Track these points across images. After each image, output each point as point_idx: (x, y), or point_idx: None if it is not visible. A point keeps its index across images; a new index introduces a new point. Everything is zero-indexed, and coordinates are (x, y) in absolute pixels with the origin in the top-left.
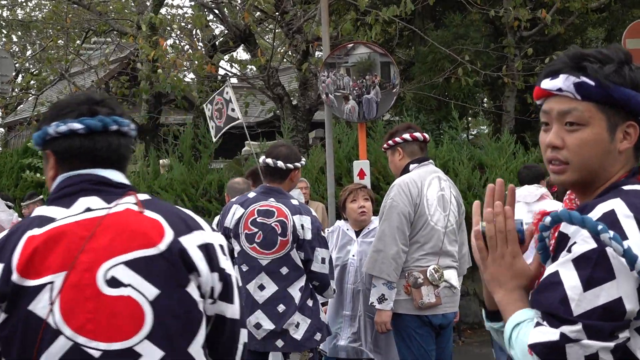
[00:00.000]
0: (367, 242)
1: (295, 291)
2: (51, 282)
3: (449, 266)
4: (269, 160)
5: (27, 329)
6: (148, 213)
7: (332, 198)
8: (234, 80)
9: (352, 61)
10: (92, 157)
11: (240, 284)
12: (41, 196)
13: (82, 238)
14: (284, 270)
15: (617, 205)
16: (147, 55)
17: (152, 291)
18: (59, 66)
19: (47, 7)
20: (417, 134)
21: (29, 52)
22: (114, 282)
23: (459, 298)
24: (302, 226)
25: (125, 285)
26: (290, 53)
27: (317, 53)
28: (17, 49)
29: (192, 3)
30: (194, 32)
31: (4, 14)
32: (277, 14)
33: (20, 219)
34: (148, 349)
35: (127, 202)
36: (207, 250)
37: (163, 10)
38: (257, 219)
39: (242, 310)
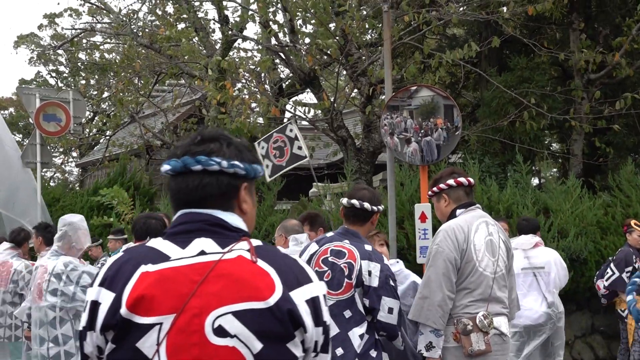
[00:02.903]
0: None
1: (355, 336)
2: (160, 323)
3: (499, 313)
4: (355, 202)
5: None
6: (260, 263)
7: (394, 242)
8: (301, 123)
9: (415, 104)
10: (187, 197)
11: None
12: (125, 236)
13: (194, 282)
14: (347, 314)
15: None
16: (214, 98)
17: (256, 345)
18: (133, 109)
19: (122, 50)
20: (462, 179)
21: (105, 94)
22: (220, 331)
23: (509, 346)
24: (370, 272)
25: (232, 336)
26: (354, 96)
27: (381, 96)
28: (94, 92)
29: (259, 47)
30: (262, 75)
31: (82, 57)
32: (341, 57)
33: (102, 259)
34: None
35: (241, 249)
36: (314, 304)
37: (231, 54)
38: (329, 258)
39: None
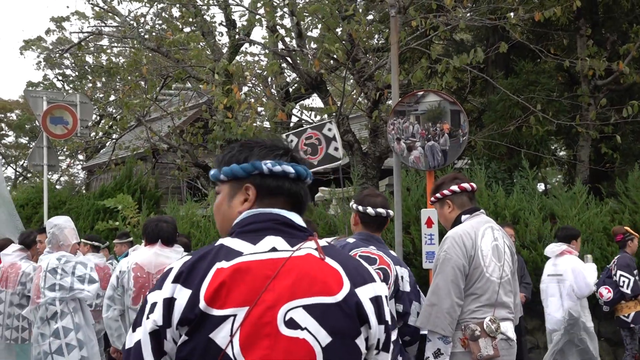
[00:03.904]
0: None
1: None
2: (234, 315)
3: (505, 318)
4: (382, 211)
5: (205, 356)
6: (328, 261)
7: (400, 246)
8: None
9: (422, 109)
10: (295, 200)
11: None
12: (131, 238)
13: (267, 277)
14: None
15: None
16: (220, 102)
17: (325, 338)
18: (140, 112)
19: (129, 54)
20: (465, 185)
21: (111, 98)
22: (292, 324)
23: (515, 351)
24: (402, 278)
25: (302, 328)
26: (361, 100)
27: (388, 101)
28: (101, 95)
29: (266, 51)
30: (268, 79)
31: (90, 60)
32: (348, 62)
33: (109, 262)
34: None
35: (309, 247)
36: (377, 302)
37: (238, 58)
38: None
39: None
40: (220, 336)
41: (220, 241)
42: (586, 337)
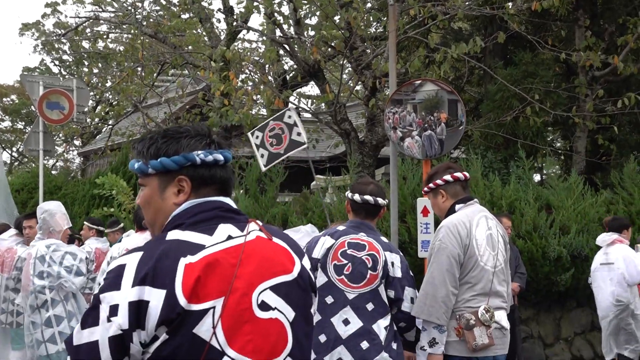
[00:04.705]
0: None
1: (380, 329)
2: (213, 307)
3: (499, 307)
4: (369, 198)
5: (192, 350)
6: (276, 240)
7: (396, 235)
8: (304, 115)
9: (419, 98)
10: (225, 185)
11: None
12: (122, 225)
13: (233, 265)
14: (370, 307)
15: None
16: (217, 89)
17: (291, 314)
18: (136, 98)
19: (126, 40)
20: (458, 174)
21: (108, 84)
22: (264, 306)
23: (508, 340)
24: (392, 263)
25: (273, 309)
26: (358, 89)
27: (385, 89)
28: (96, 80)
29: (263, 38)
30: (266, 67)
31: (86, 46)
32: (346, 50)
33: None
34: None
35: (255, 230)
36: (312, 271)
37: (236, 44)
38: (347, 251)
39: None
40: (202, 330)
41: (172, 235)
42: (632, 323)
